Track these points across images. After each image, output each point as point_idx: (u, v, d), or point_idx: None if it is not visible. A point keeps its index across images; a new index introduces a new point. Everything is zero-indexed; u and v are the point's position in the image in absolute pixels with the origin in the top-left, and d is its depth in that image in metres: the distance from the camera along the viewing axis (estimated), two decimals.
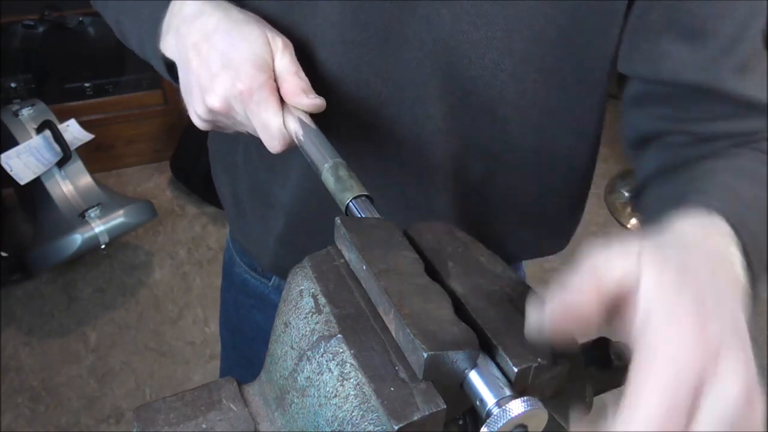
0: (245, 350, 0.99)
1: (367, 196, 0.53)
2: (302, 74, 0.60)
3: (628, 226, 2.65)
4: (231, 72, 0.57)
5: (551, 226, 0.81)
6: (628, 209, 2.69)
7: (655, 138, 0.65)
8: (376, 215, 0.51)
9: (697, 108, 0.61)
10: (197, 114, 0.62)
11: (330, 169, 0.54)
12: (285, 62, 0.59)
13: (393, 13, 0.61)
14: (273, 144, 0.59)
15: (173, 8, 0.62)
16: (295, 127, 0.58)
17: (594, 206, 2.73)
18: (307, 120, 0.59)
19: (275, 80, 0.59)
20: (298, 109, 0.59)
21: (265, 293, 0.91)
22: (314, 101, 0.59)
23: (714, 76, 0.58)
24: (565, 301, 0.36)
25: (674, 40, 0.58)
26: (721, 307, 0.35)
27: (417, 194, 0.72)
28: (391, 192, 0.72)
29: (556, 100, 0.65)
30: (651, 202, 0.64)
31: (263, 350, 0.96)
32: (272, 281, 0.91)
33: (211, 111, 0.60)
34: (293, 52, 0.60)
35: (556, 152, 0.71)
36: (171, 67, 0.65)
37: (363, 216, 0.51)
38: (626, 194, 2.75)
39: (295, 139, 0.59)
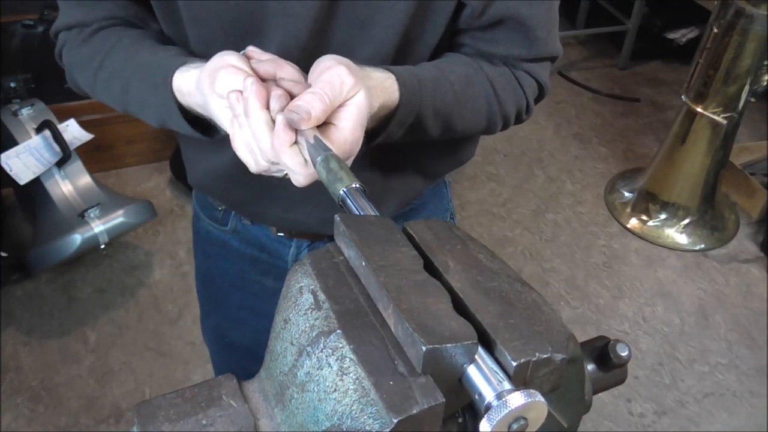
0: (217, 296, 1.09)
1: (358, 186, 0.53)
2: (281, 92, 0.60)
3: (628, 225, 2.65)
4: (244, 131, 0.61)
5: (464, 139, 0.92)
6: (628, 209, 2.70)
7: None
8: (368, 204, 0.52)
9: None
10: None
11: (322, 162, 0.55)
12: (252, 98, 0.59)
13: None
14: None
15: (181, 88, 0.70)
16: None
17: (594, 206, 2.73)
18: None
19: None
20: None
21: (226, 240, 1.01)
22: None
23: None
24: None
25: None
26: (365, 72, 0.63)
27: None
28: None
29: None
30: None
31: (231, 295, 1.07)
32: (229, 225, 1.00)
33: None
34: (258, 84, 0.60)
35: None
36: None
37: (356, 205, 0.52)
38: (626, 194, 2.75)
39: None
